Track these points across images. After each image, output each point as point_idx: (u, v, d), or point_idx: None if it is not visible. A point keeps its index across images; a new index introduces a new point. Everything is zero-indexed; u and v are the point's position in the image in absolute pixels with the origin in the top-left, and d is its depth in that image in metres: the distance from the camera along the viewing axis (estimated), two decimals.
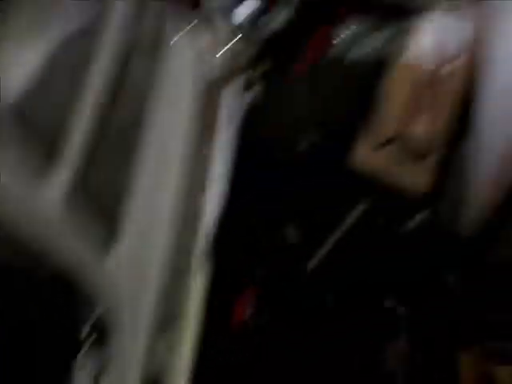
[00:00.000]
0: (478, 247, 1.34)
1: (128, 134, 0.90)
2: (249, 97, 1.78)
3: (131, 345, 0.86)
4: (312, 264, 1.42)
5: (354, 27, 1.83)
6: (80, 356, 0.77)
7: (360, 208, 1.49)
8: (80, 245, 0.74)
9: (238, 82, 1.73)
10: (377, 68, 1.71)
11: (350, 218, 1.48)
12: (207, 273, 0.99)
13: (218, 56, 1.23)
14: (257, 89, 1.80)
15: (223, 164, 1.14)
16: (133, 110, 0.93)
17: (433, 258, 1.41)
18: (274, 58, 1.84)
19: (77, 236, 0.73)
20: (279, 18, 1.78)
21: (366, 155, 1.54)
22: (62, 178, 0.74)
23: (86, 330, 0.78)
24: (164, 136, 1.00)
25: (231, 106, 1.17)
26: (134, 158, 0.91)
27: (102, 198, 0.80)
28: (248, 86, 1.80)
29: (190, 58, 1.17)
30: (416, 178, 1.48)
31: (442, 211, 1.43)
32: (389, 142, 1.51)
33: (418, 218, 1.44)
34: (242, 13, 1.73)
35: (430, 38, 1.70)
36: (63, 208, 0.72)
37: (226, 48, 1.30)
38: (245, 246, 1.41)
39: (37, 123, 0.73)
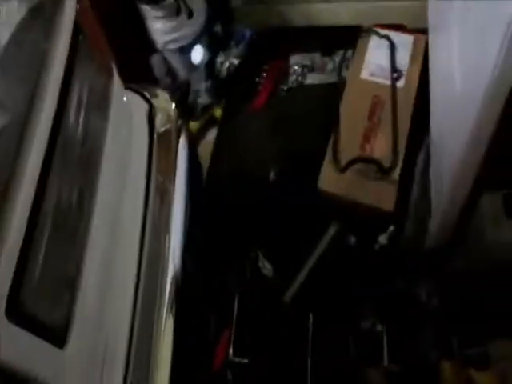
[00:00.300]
0: (442, 259, 1.37)
1: (77, 200, 0.91)
2: (212, 136, 1.84)
3: None
4: (288, 295, 1.46)
5: (305, 57, 1.90)
6: None
7: (331, 231, 1.53)
8: (28, 348, 0.71)
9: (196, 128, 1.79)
10: (334, 91, 1.78)
11: (323, 243, 1.52)
12: (174, 323, 1.01)
13: (172, 106, 1.28)
14: (218, 128, 1.86)
15: (184, 207, 1.16)
16: (82, 173, 0.95)
17: (403, 273, 1.44)
18: (231, 96, 1.90)
19: (22, 341, 0.71)
20: (232, 58, 1.84)
21: (332, 178, 1.59)
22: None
23: None
24: (118, 194, 1.04)
25: (188, 153, 1.21)
26: (84, 228, 0.90)
27: (50, 285, 0.77)
28: (209, 126, 1.86)
29: (142, 112, 1.22)
30: (381, 195, 1.52)
31: (406, 226, 1.48)
32: (351, 163, 1.55)
33: (386, 235, 1.48)
34: (196, 56, 1.80)
35: (380, 56, 1.77)
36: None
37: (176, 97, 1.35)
38: (219, 284, 1.45)
39: None
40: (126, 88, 1.19)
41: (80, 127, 0.98)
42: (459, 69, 1.26)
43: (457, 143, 1.20)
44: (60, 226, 0.83)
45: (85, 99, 1.02)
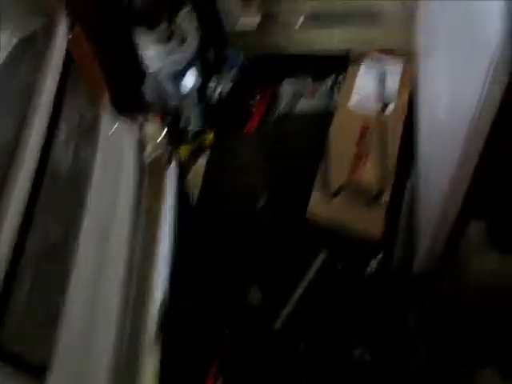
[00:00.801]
0: (430, 284, 1.38)
1: (64, 232, 0.91)
2: (203, 161, 1.85)
3: None
4: (278, 324, 1.46)
5: (296, 82, 1.92)
6: None
7: (320, 258, 1.54)
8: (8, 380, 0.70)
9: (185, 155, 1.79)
10: (324, 117, 1.79)
11: (312, 270, 1.52)
12: (160, 354, 1.00)
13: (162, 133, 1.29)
14: (209, 153, 1.87)
15: (172, 232, 1.17)
16: (69, 204, 0.95)
17: (392, 299, 1.44)
18: (223, 121, 1.91)
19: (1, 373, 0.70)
20: (224, 83, 1.86)
21: (321, 205, 1.60)
22: None
23: None
24: (106, 222, 1.04)
25: (177, 180, 1.22)
26: (70, 260, 0.92)
27: (32, 317, 0.77)
28: (200, 151, 1.87)
29: (132, 140, 1.22)
30: (370, 221, 1.53)
31: (395, 251, 1.48)
32: (341, 189, 1.56)
33: (376, 260, 1.48)
34: (188, 81, 1.81)
35: (370, 83, 1.79)
36: None
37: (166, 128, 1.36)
38: (206, 317, 1.43)
39: None
40: (117, 115, 1.20)
41: (69, 157, 0.99)
42: (446, 95, 1.27)
43: (444, 169, 1.21)
44: (45, 258, 0.83)
45: (75, 128, 1.03)
